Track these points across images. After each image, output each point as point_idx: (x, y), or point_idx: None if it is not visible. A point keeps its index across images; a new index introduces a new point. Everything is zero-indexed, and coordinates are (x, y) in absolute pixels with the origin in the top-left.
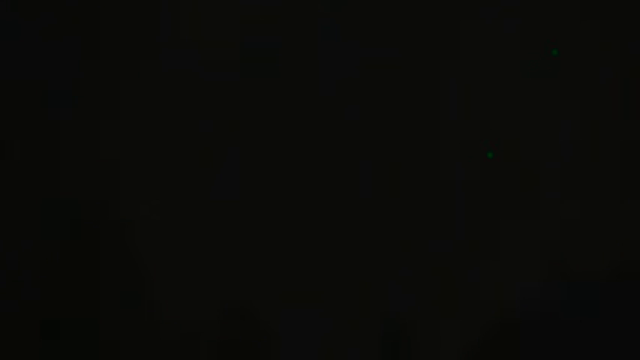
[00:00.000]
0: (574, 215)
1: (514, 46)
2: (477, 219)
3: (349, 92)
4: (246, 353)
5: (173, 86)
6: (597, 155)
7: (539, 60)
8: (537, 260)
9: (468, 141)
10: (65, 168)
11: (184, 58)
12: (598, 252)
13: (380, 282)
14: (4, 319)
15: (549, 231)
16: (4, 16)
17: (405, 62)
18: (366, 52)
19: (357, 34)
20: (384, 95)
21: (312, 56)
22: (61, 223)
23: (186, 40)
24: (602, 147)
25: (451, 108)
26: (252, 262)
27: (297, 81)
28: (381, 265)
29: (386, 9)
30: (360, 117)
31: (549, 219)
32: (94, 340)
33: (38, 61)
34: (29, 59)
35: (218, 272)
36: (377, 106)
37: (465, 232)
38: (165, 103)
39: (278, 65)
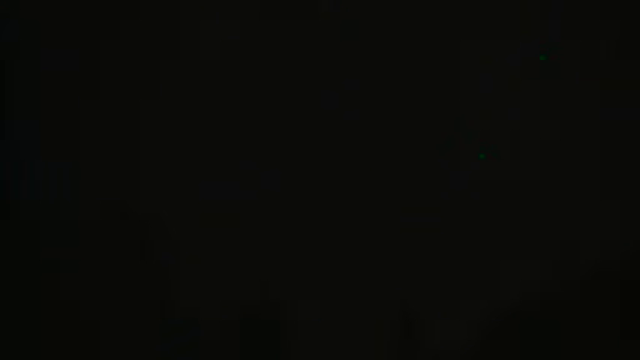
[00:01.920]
0: (575, 214)
1: (512, 46)
2: (477, 219)
3: (352, 93)
4: (261, 351)
5: (178, 85)
6: (598, 154)
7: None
8: (537, 260)
9: (467, 141)
10: (85, 166)
11: (185, 58)
12: (597, 251)
13: (384, 281)
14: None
15: (549, 230)
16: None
17: (406, 63)
18: (365, 52)
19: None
20: (387, 96)
21: (315, 57)
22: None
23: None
24: (602, 146)
25: (454, 108)
26: (264, 261)
27: (302, 83)
28: (384, 264)
29: (385, 12)
30: (362, 118)
31: (550, 218)
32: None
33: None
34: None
35: (232, 271)
36: (380, 107)
37: (466, 232)
38: (168, 103)
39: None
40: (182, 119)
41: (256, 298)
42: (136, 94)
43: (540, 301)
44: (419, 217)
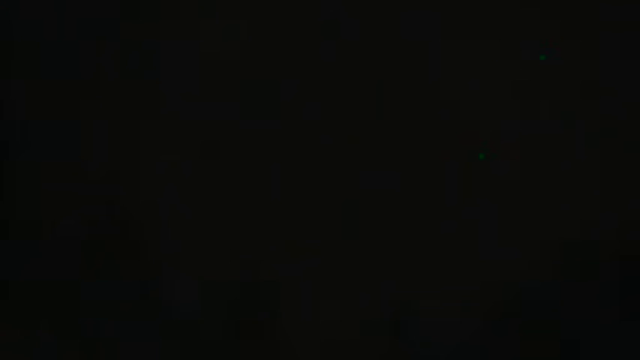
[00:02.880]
0: (575, 214)
1: (510, 45)
2: (476, 219)
3: (350, 93)
4: (253, 333)
5: (175, 84)
6: (598, 154)
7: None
8: (537, 260)
9: (466, 140)
10: (84, 160)
11: (184, 57)
12: (597, 251)
13: (381, 278)
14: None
15: (549, 230)
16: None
17: (400, 61)
18: (362, 51)
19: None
20: (385, 96)
21: (313, 57)
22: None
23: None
24: (603, 146)
25: (448, 107)
26: (263, 260)
27: (299, 85)
28: (383, 262)
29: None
30: (361, 118)
31: (549, 218)
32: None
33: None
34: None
35: (224, 252)
36: (378, 106)
37: (465, 233)
38: (166, 100)
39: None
40: (180, 119)
41: (255, 298)
42: (135, 97)
43: (540, 301)
44: (417, 219)
